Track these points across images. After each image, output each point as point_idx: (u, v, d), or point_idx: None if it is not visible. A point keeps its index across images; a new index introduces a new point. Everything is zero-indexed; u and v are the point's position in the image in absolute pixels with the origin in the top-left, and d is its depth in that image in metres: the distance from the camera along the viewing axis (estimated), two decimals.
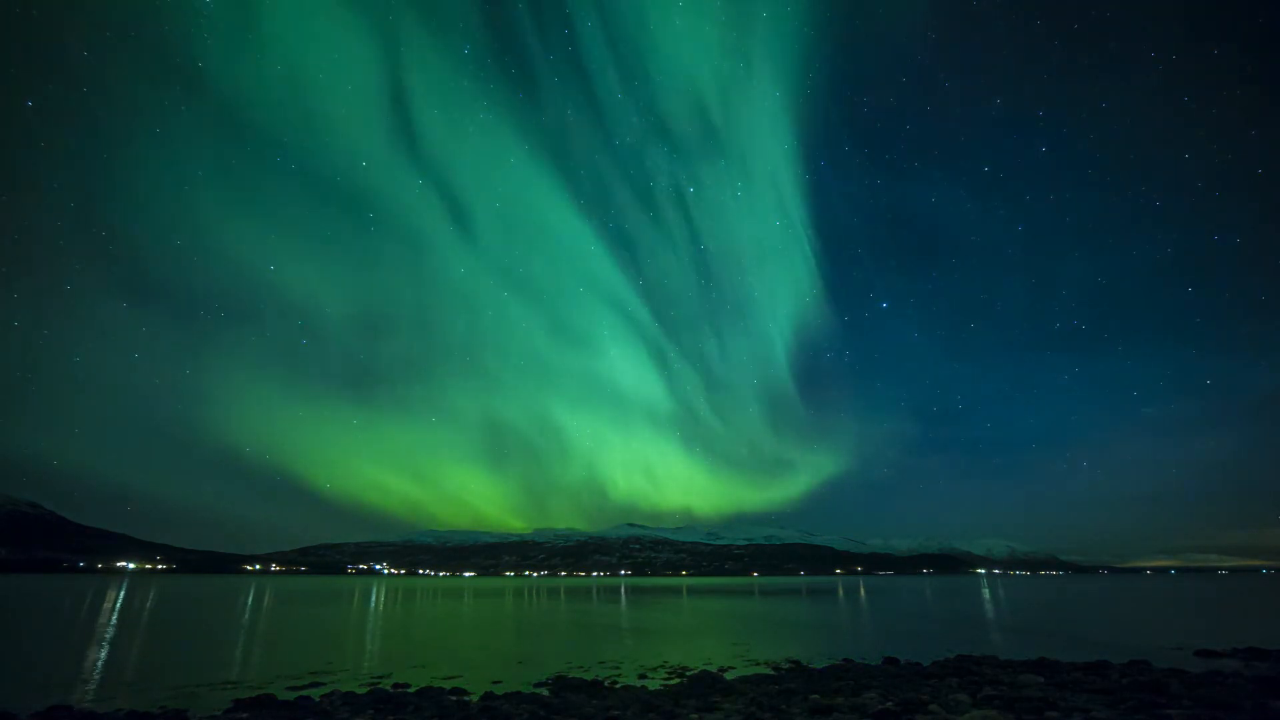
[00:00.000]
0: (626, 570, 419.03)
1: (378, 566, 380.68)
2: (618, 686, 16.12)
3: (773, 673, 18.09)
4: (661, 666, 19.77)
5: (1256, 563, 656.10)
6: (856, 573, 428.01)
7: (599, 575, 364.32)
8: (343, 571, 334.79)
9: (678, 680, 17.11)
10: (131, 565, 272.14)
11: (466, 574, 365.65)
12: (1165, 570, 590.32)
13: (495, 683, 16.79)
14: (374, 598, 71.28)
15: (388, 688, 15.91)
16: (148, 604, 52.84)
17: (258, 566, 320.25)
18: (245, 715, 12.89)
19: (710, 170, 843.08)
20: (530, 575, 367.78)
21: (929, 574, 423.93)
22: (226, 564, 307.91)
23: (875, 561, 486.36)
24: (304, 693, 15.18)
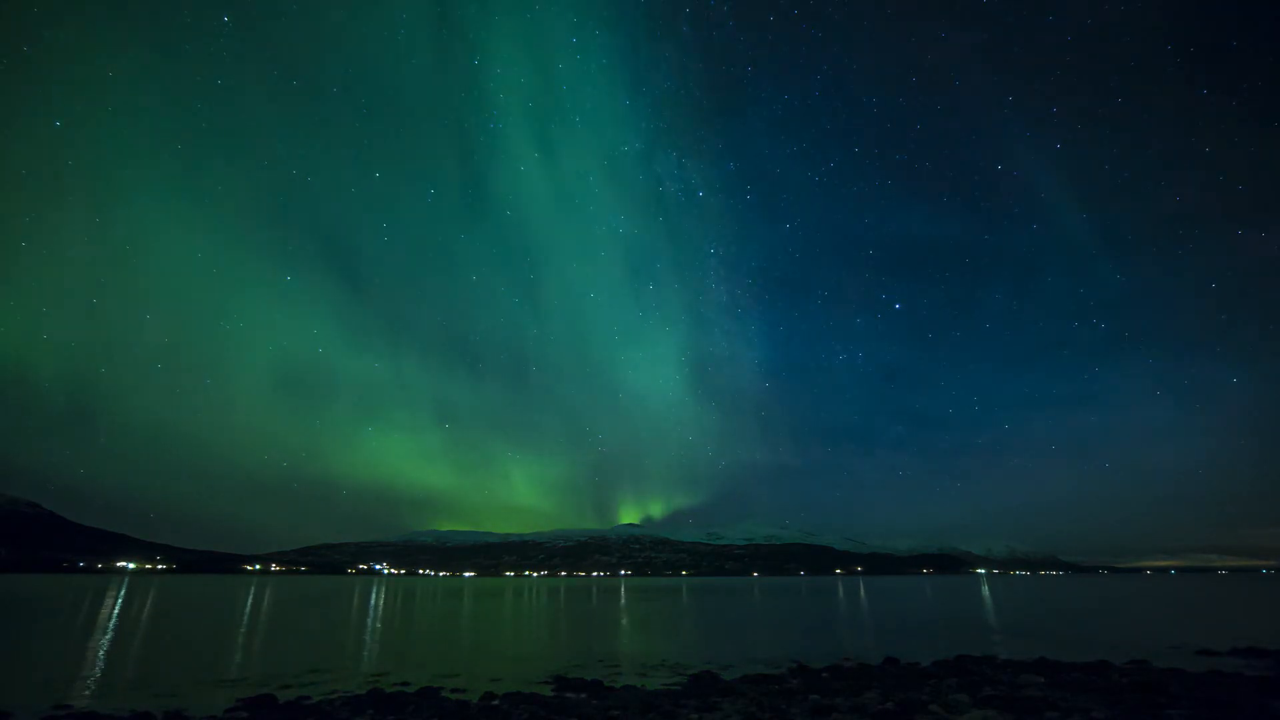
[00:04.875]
0: (626, 570, 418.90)
1: (378, 566, 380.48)
2: (618, 686, 16.11)
3: (773, 673, 18.07)
4: (661, 666, 19.76)
5: (1256, 563, 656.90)
6: (856, 573, 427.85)
7: (599, 575, 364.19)
8: (343, 571, 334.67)
9: (678, 680, 17.10)
10: (131, 565, 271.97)
11: (466, 574, 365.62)
12: (1165, 570, 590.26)
13: (495, 682, 16.78)
14: (374, 598, 71.28)
15: (387, 688, 15.91)
16: (148, 604, 52.83)
17: (258, 566, 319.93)
18: (245, 715, 12.89)
19: (719, 174, 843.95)
20: (530, 575, 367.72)
21: (929, 574, 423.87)
22: (226, 564, 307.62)
23: (875, 561, 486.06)
24: (304, 692, 15.17)
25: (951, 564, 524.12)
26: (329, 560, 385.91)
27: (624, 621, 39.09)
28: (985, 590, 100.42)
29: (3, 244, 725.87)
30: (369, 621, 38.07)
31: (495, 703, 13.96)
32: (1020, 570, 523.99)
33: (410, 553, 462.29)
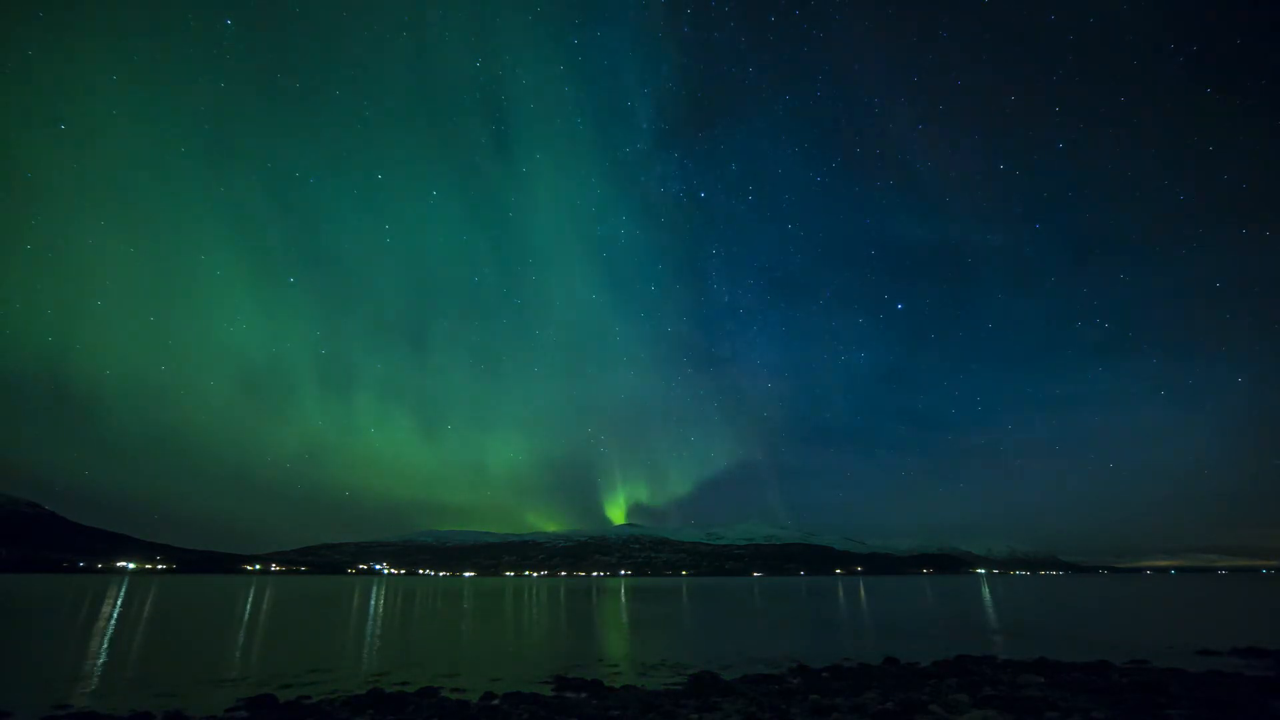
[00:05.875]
0: (627, 570, 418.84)
1: (378, 566, 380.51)
2: (618, 686, 16.11)
3: (773, 673, 18.08)
4: (661, 666, 19.77)
5: (1256, 563, 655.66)
6: (856, 573, 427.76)
7: (599, 575, 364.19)
8: (343, 571, 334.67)
9: (678, 680, 17.11)
10: (131, 565, 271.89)
11: (466, 574, 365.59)
12: (1165, 570, 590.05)
13: (495, 681, 16.78)
14: (374, 598, 71.28)
15: (387, 688, 15.91)
16: (148, 604, 52.83)
17: (258, 566, 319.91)
18: (245, 715, 12.89)
19: (721, 175, 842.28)
20: (530, 575, 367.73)
21: (929, 574, 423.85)
22: (226, 564, 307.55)
23: (875, 561, 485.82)
24: (304, 692, 15.17)
25: (951, 564, 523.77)
26: (329, 560, 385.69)
27: (624, 621, 39.10)
28: (985, 590, 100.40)
29: (7, 246, 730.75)
30: (369, 621, 38.07)
31: (495, 703, 13.97)
32: (1020, 570, 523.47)
33: (410, 553, 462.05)
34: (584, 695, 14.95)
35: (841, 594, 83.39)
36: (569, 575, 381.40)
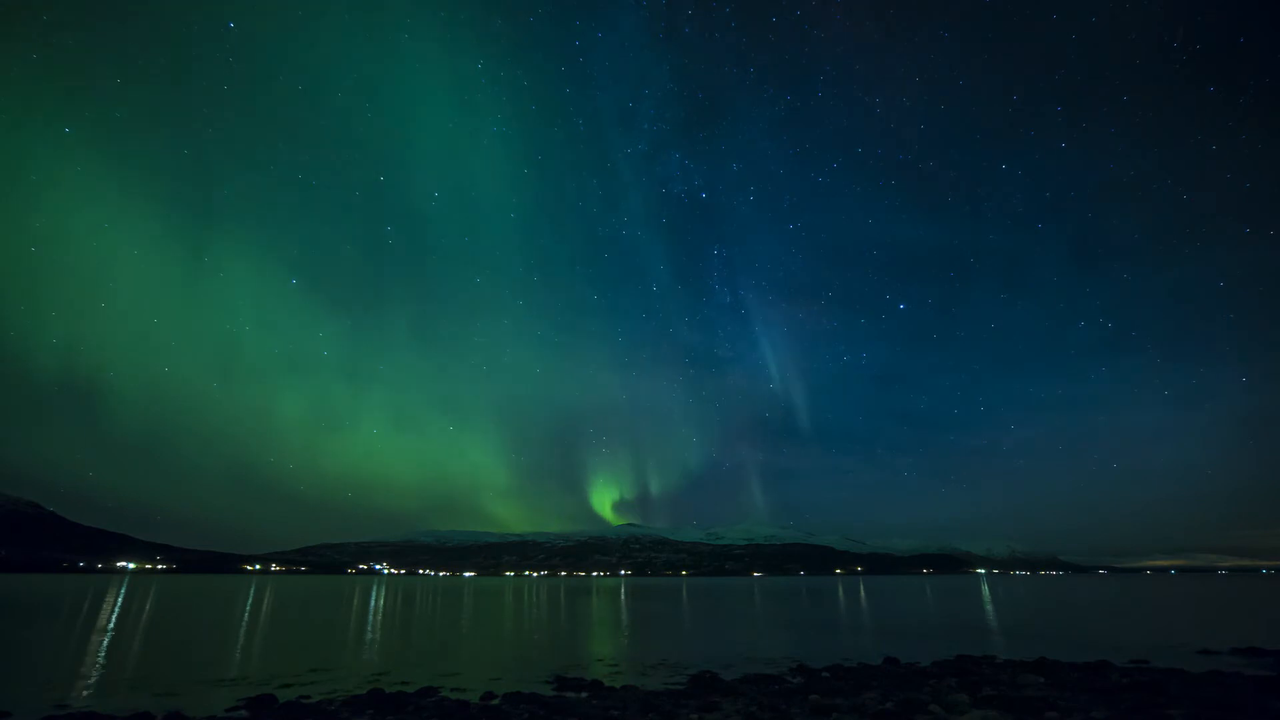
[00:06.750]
0: (626, 570, 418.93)
1: (378, 566, 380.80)
2: (618, 686, 16.12)
3: (773, 673, 18.08)
4: (661, 666, 19.77)
5: (1256, 563, 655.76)
6: (856, 573, 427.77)
7: (599, 575, 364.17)
8: (343, 571, 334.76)
9: (678, 680, 17.11)
10: (131, 565, 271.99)
11: (466, 574, 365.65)
12: (1165, 570, 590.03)
13: (495, 681, 16.78)
14: (374, 598, 71.28)
15: (387, 688, 15.90)
16: (148, 604, 52.83)
17: (258, 566, 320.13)
18: (245, 715, 12.89)
19: (722, 175, 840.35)
20: (530, 575, 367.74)
21: (929, 574, 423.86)
22: (226, 564, 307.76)
23: (875, 561, 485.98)
24: (304, 692, 15.17)
25: (951, 564, 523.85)
26: (329, 560, 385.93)
27: (624, 621, 39.10)
28: (985, 590, 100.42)
29: (12, 248, 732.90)
30: (369, 621, 38.07)
31: (495, 703, 13.97)
32: (1020, 570, 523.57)
33: (410, 553, 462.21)
34: (584, 695, 14.95)
35: (841, 594, 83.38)
36: (569, 575, 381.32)
